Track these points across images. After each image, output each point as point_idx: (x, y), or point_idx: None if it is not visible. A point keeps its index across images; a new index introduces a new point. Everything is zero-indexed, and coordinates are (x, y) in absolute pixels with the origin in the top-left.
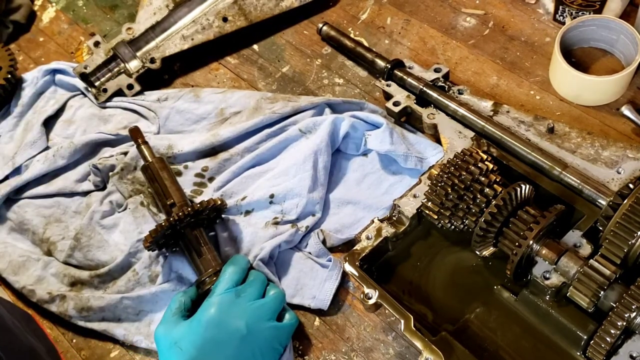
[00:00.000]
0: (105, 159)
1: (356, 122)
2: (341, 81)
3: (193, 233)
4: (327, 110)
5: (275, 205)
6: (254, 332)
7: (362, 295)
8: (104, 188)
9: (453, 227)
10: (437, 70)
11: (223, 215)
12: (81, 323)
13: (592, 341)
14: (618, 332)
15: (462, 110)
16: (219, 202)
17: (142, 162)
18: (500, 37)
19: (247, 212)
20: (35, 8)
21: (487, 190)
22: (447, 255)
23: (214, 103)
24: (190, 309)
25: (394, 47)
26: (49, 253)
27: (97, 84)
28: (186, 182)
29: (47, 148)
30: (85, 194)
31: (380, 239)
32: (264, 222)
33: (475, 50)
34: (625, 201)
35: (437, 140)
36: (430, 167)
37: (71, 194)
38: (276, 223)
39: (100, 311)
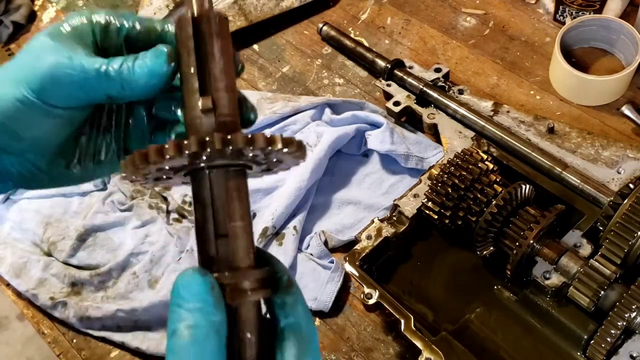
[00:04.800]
0: None
1: (358, 126)
2: (341, 81)
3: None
4: (328, 110)
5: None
6: None
7: (362, 295)
8: (104, 188)
9: (453, 227)
10: (437, 70)
11: None
12: (82, 329)
13: (593, 341)
14: (618, 332)
15: (462, 110)
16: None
17: None
18: (501, 37)
19: None
20: (36, 8)
21: (487, 190)
22: (447, 256)
23: None
24: None
25: (394, 47)
26: (49, 253)
27: None
28: None
29: None
30: (85, 194)
31: (381, 239)
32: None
33: (476, 50)
34: (626, 201)
35: (438, 140)
36: (431, 167)
37: (71, 194)
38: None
39: (99, 320)
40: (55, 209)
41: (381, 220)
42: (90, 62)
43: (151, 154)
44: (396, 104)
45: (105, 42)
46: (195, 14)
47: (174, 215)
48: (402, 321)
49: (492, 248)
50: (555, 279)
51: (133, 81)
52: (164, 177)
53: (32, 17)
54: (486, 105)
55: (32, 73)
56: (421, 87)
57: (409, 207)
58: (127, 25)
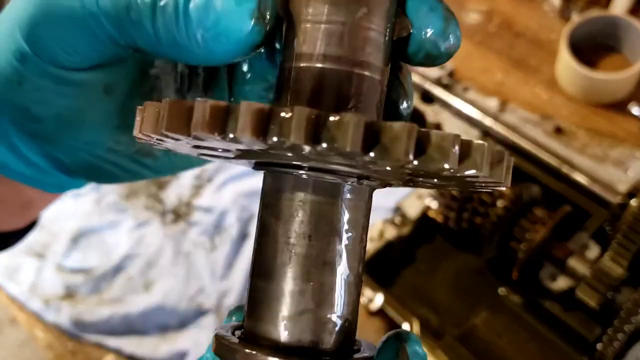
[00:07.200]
0: None
1: None
2: None
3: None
4: None
5: None
6: None
7: (365, 300)
8: (98, 189)
9: (458, 229)
10: (441, 67)
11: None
12: (76, 334)
13: (600, 344)
14: (626, 335)
15: (467, 109)
16: None
17: None
18: (506, 33)
19: None
20: None
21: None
22: (452, 258)
23: None
24: None
25: None
26: (42, 255)
27: None
28: (184, 184)
29: None
30: (79, 195)
31: (384, 242)
32: None
33: (481, 47)
34: (633, 202)
35: None
36: None
37: (64, 195)
38: None
39: (93, 325)
40: (48, 210)
41: (384, 223)
42: None
43: (202, 121)
44: None
45: None
46: None
47: (170, 217)
48: (407, 326)
49: (498, 250)
50: (562, 282)
51: (183, 45)
52: (213, 153)
53: None
54: (492, 104)
55: (21, 11)
56: (425, 84)
57: (413, 209)
58: None
